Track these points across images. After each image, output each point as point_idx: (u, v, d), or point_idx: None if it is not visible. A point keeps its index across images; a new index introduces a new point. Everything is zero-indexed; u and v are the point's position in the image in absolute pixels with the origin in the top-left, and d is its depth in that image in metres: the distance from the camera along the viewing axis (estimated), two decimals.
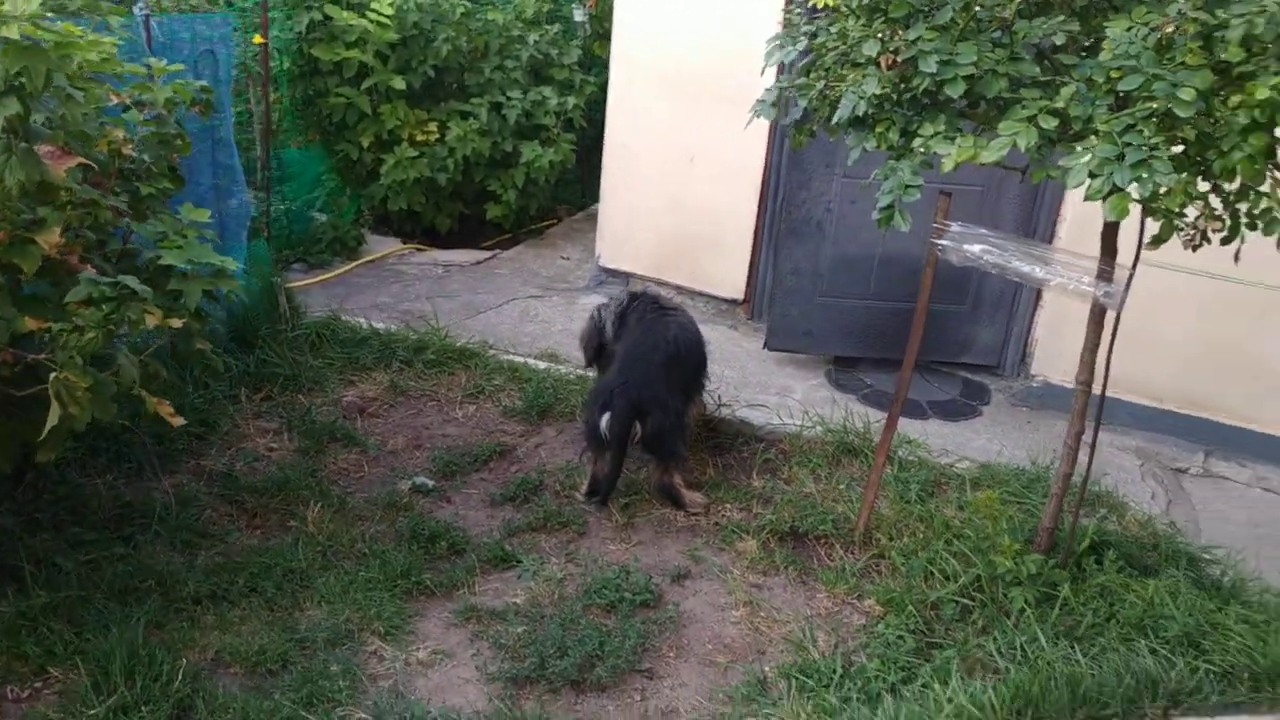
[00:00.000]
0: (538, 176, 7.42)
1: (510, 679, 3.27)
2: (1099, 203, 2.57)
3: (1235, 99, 2.57)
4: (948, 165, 2.76)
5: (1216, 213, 2.73)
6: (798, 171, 5.67)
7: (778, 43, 3.42)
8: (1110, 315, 3.47)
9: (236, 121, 5.41)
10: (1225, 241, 2.81)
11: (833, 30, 3.27)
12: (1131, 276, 3.38)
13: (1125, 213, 2.53)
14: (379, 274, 6.83)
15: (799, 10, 3.86)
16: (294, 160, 6.90)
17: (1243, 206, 2.76)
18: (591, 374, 4.97)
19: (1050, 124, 2.64)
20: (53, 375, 2.64)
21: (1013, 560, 3.68)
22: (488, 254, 7.49)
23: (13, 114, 2.62)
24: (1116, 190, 2.50)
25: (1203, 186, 2.74)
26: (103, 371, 2.86)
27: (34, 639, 3.12)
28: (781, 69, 4.04)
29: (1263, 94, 2.47)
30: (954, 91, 2.75)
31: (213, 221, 4.03)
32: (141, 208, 3.44)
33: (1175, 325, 5.24)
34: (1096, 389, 3.63)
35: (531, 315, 6.34)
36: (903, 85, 2.92)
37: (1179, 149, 2.63)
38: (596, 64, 8.16)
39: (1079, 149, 2.59)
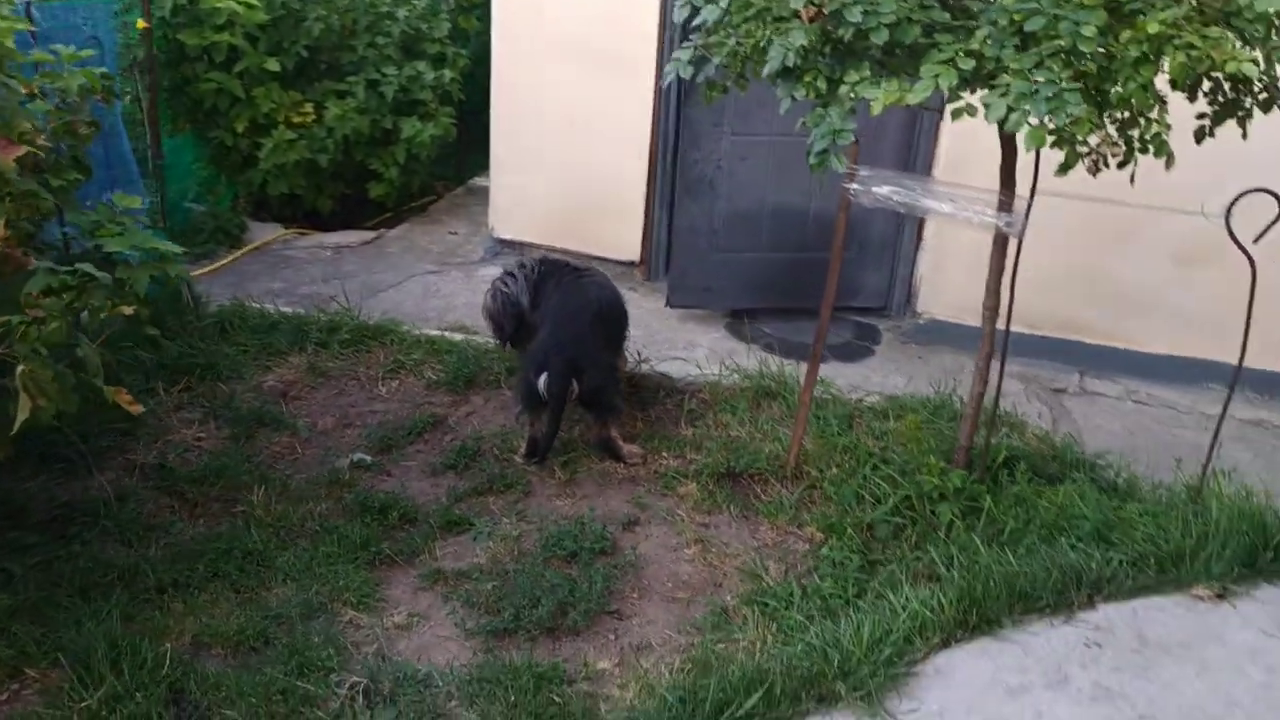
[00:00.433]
0: (419, 152, 7.39)
1: (489, 632, 3.38)
2: (994, 139, 2.83)
3: (1126, 34, 2.86)
4: (876, 108, 2.97)
5: (1114, 139, 3.02)
6: (689, 132, 5.85)
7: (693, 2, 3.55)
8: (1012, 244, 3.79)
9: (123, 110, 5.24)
10: (1121, 165, 3.11)
11: None
12: (1030, 206, 3.69)
13: (1043, 142, 2.79)
14: (267, 260, 6.72)
15: None
16: (165, 150, 6.69)
17: (1134, 133, 3.06)
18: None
19: (968, 65, 2.88)
20: (20, 368, 2.59)
21: (938, 478, 3.97)
22: (374, 234, 7.43)
23: None
24: (1035, 124, 2.75)
25: None
26: (58, 363, 2.82)
27: (3, 642, 3.06)
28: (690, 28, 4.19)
29: (1153, 28, 2.76)
30: (878, 39, 2.96)
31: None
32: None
33: (1045, 254, 5.62)
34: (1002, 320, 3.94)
35: (433, 291, 6.36)
36: (826, 36, 3.11)
37: (1078, 84, 2.90)
38: (462, 37, 8.16)
39: (995, 86, 2.83)
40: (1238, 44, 2.87)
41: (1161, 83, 2.96)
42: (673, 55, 3.76)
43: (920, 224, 6.05)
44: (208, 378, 4.76)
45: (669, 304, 6.18)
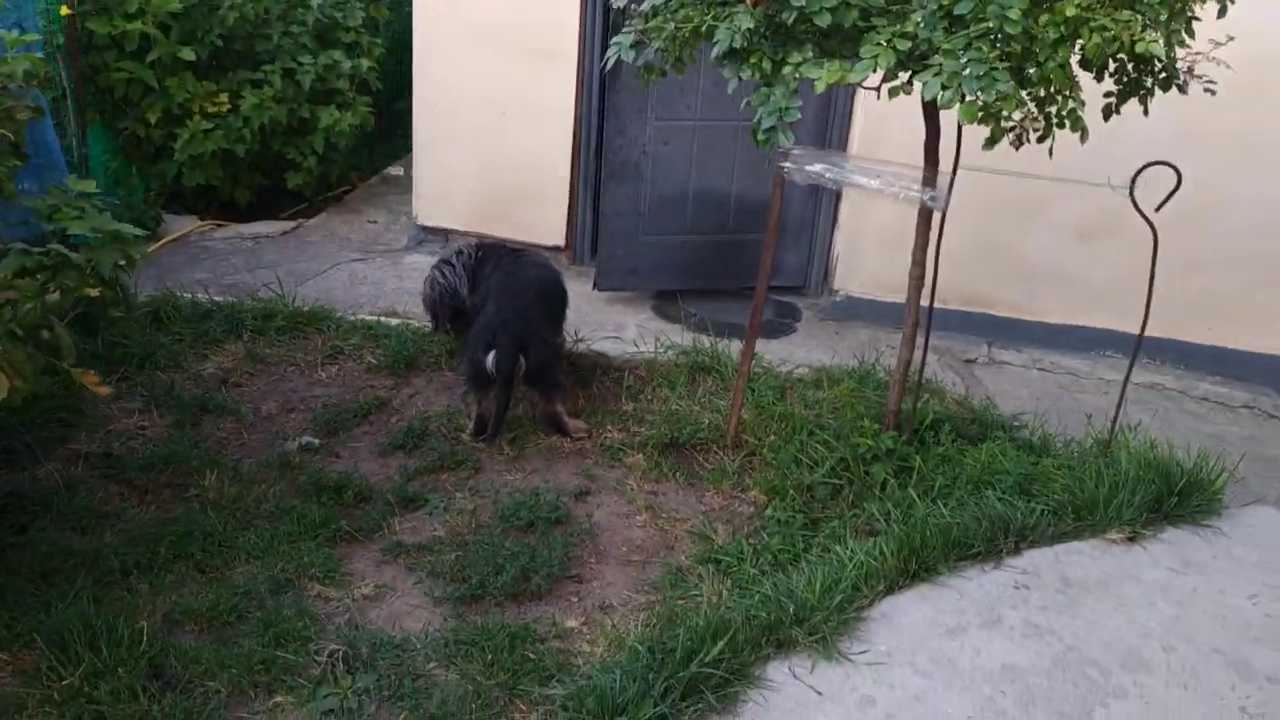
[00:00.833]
0: (338, 141, 7.37)
1: (456, 599, 3.48)
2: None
3: (1045, 17, 3.10)
4: (820, 86, 3.16)
5: (1034, 115, 3.27)
6: (614, 118, 5.99)
7: None
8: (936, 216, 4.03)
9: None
10: (1041, 139, 3.36)
11: None
12: (952, 181, 3.94)
13: (975, 117, 3.02)
14: (187, 252, 6.64)
15: None
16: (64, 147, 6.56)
17: (1052, 109, 3.32)
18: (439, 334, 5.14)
19: (904, 46, 3.09)
20: None
21: (872, 439, 4.20)
22: (292, 224, 7.39)
23: None
24: (966, 100, 2.98)
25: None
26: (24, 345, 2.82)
27: None
28: (626, 13, 4.31)
29: (1070, 11, 3.00)
30: (822, 22, 3.15)
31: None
32: None
33: (955, 232, 5.93)
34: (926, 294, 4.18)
35: (360, 278, 6.38)
36: (769, 19, 3.29)
37: (1006, 63, 3.13)
38: (373, 27, 8.15)
39: (929, 66, 3.05)
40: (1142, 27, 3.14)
41: (1072, 63, 3.23)
42: (613, 40, 3.89)
43: (836, 205, 6.31)
44: (145, 366, 4.73)
45: (596, 287, 6.31)
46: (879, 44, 3.11)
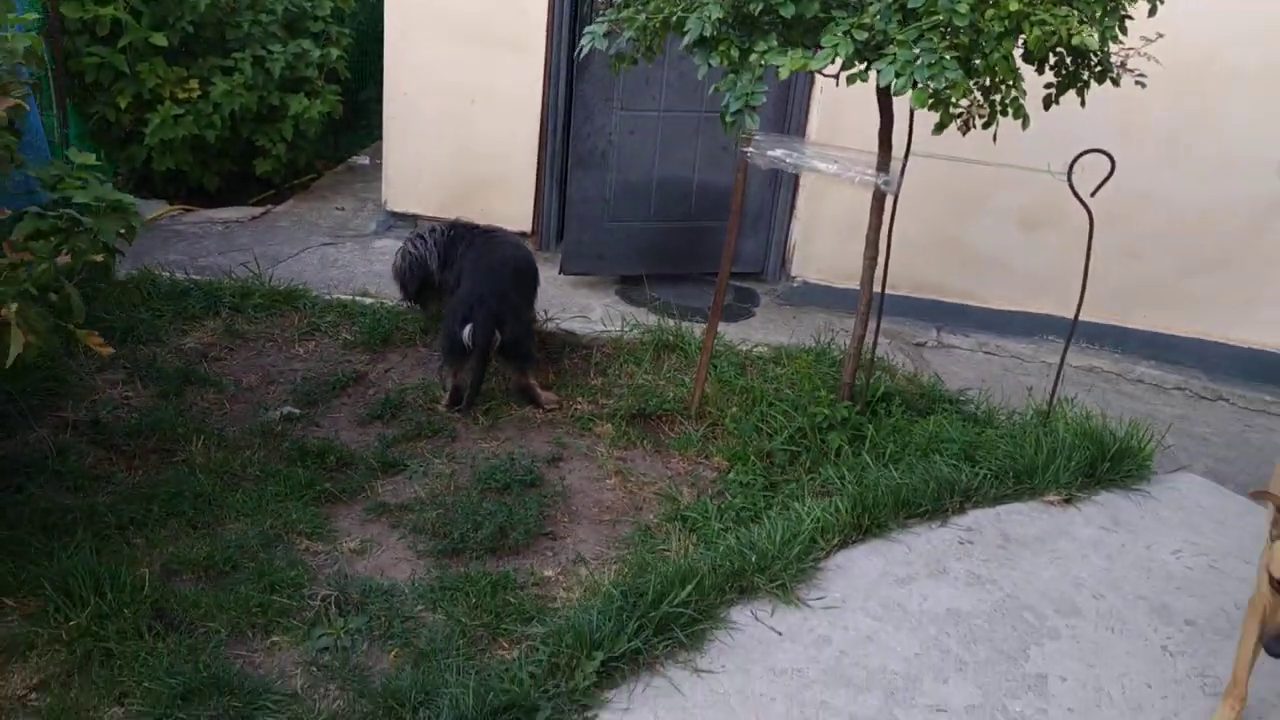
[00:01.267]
0: (307, 129, 7.52)
1: (438, 553, 3.69)
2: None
3: (990, 12, 3.37)
4: (784, 73, 3.40)
5: (980, 103, 3.55)
6: (581, 107, 6.21)
7: None
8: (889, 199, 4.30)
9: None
10: (985, 126, 3.64)
11: None
12: (904, 166, 4.21)
13: (926, 103, 3.28)
14: (159, 235, 6.75)
15: None
16: (43, 126, 6.63)
17: (996, 98, 3.59)
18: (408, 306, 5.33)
19: (861, 36, 3.34)
20: (13, 306, 2.76)
21: (828, 408, 4.46)
22: (260, 210, 7.52)
23: None
24: (918, 87, 3.24)
25: None
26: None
27: None
28: (596, 5, 4.53)
29: (1014, 6, 3.28)
30: (786, 13, 3.40)
31: (21, 178, 4.06)
32: None
33: (906, 222, 6.22)
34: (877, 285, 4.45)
35: (331, 261, 6.54)
36: (736, 10, 3.53)
37: (955, 53, 3.39)
38: (339, 16, 8.29)
39: (885, 55, 3.31)
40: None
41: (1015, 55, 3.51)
42: (586, 29, 4.11)
43: (793, 194, 6.58)
44: (127, 340, 4.87)
45: (563, 271, 6.53)
46: (838, 34, 3.36)
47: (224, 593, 3.30)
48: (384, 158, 7.06)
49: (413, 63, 6.68)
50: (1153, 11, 3.74)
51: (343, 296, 5.65)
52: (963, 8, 3.24)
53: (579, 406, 4.82)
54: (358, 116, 9.29)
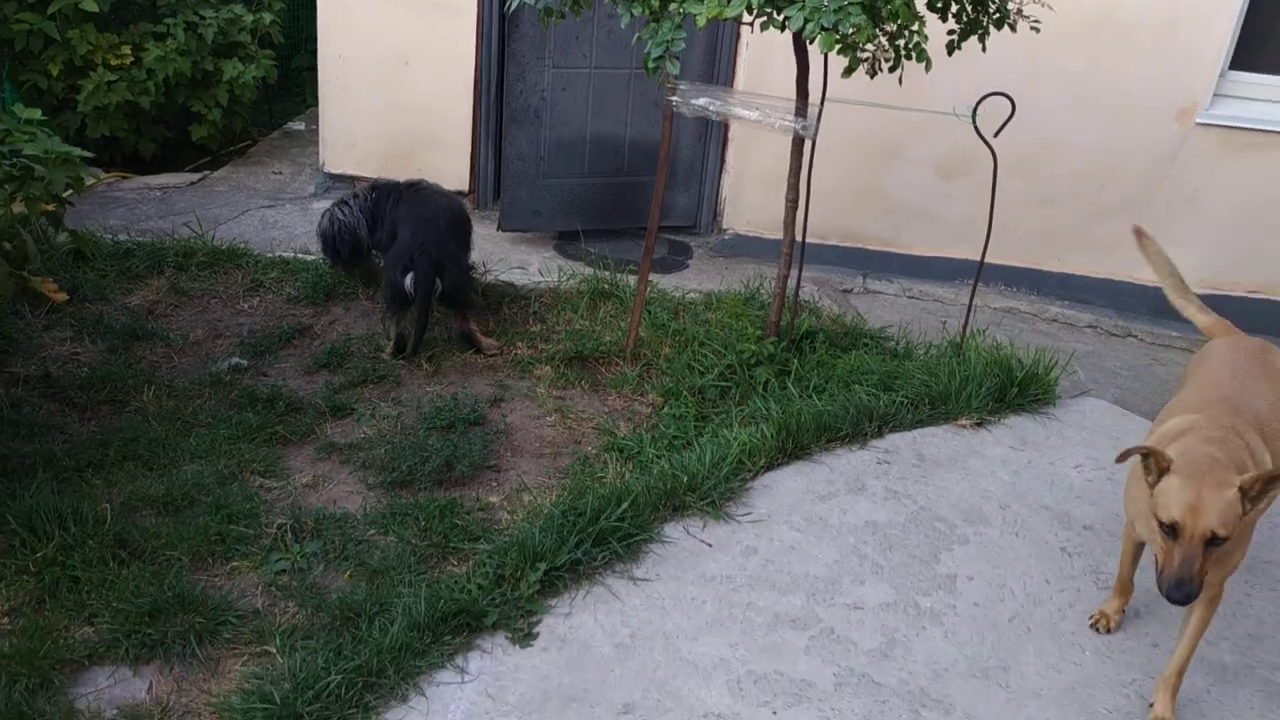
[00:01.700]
0: (241, 94, 7.57)
1: (388, 485, 3.89)
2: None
3: None
4: (701, 21, 3.61)
5: (885, 48, 3.79)
6: (514, 65, 6.36)
7: None
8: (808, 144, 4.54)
9: None
10: (891, 69, 3.88)
11: None
12: (820, 112, 4.45)
13: (833, 47, 3.51)
14: (96, 202, 6.78)
15: None
16: None
17: (900, 43, 3.84)
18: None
19: None
20: None
21: (755, 344, 4.71)
22: (198, 175, 7.57)
23: None
24: (825, 31, 3.47)
25: None
26: None
27: None
28: None
29: None
30: None
31: None
32: None
33: (829, 174, 6.49)
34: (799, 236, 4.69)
35: (271, 223, 6.63)
36: None
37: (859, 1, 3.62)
38: None
39: (794, 2, 3.53)
40: None
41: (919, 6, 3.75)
42: None
43: (723, 149, 6.80)
44: (73, 299, 4.96)
45: (500, 228, 6.69)
46: None
47: (184, 525, 3.46)
48: (320, 120, 7.14)
49: (346, 25, 6.76)
50: None
51: (285, 254, 5.77)
52: None
53: (519, 351, 5.02)
54: (292, 83, 9.33)
